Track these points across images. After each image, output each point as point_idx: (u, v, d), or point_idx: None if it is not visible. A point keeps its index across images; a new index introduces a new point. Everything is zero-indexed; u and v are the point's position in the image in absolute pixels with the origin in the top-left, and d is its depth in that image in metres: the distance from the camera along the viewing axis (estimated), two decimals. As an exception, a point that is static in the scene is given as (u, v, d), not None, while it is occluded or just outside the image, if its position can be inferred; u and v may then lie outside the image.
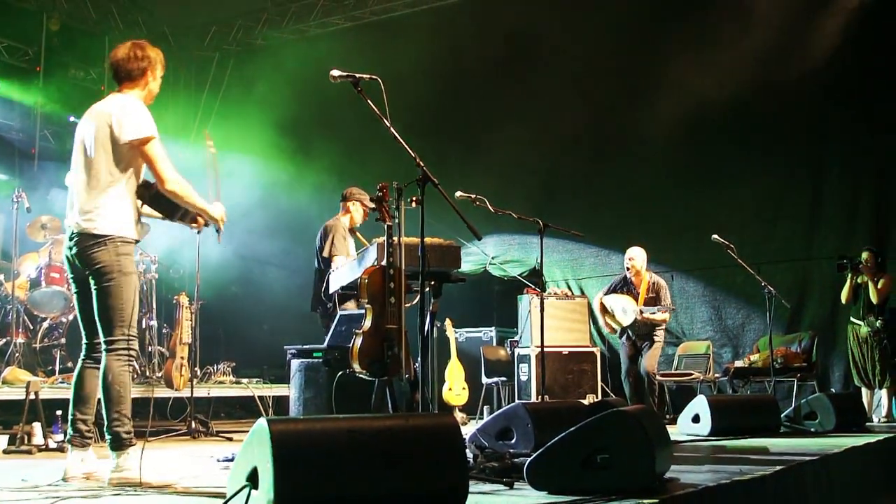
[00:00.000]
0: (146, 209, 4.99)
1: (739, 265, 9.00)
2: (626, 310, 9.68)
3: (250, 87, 13.55)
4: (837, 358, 10.45)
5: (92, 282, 4.75)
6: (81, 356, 4.96)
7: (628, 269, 9.87)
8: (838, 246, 10.34)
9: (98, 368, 4.82)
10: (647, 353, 9.68)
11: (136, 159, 4.80)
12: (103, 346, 4.75)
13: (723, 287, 11.12)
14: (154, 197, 4.88)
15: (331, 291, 7.24)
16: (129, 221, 4.81)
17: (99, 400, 4.77)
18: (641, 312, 9.63)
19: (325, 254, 7.78)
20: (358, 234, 8.03)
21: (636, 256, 9.84)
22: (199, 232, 5.32)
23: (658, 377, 9.81)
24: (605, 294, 10.07)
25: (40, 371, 8.76)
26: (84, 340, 4.95)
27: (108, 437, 4.68)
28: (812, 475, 5.22)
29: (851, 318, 9.83)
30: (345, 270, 6.68)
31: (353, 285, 6.38)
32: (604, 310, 9.99)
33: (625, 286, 9.92)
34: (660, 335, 9.78)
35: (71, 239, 4.81)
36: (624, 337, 9.90)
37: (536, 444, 5.12)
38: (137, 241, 4.90)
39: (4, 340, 8.95)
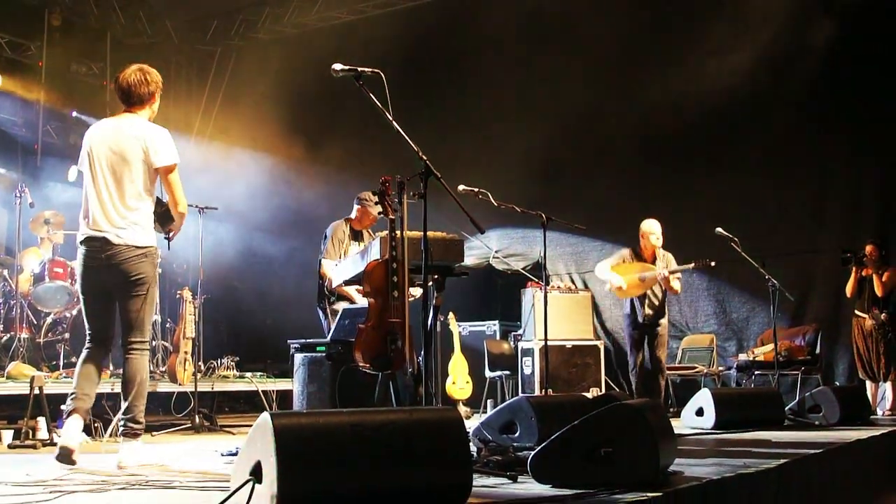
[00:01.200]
0: None
1: (744, 258, 8.97)
2: (644, 278, 9.18)
3: (253, 81, 13.54)
4: (842, 351, 10.44)
5: (127, 288, 5.24)
6: (92, 345, 5.35)
7: (654, 242, 9.27)
8: (842, 239, 10.32)
9: (104, 356, 5.48)
10: (655, 345, 9.35)
11: (155, 179, 5.36)
12: (135, 345, 5.27)
13: (727, 280, 11.10)
14: (162, 214, 5.46)
15: (334, 285, 7.26)
16: (153, 232, 5.41)
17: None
18: (670, 274, 9.12)
19: (319, 255, 7.92)
20: (370, 233, 8.05)
21: (658, 230, 9.33)
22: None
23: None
24: (614, 265, 9.41)
25: (44, 366, 8.78)
26: (100, 335, 5.37)
27: (129, 425, 5.17)
28: (816, 468, 5.22)
29: (856, 311, 9.82)
30: (348, 264, 6.68)
31: (357, 279, 6.39)
32: (606, 279, 9.36)
33: (635, 259, 9.42)
34: (664, 325, 9.56)
35: (106, 245, 5.21)
36: (631, 326, 9.43)
37: (540, 437, 5.12)
38: None
39: (8, 335, 8.96)
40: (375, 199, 7.62)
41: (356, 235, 8.04)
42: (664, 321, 9.44)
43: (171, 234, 5.66)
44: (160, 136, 5.35)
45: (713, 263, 9.27)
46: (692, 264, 9.22)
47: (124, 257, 5.21)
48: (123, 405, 5.25)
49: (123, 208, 5.26)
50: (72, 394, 5.22)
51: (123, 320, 5.33)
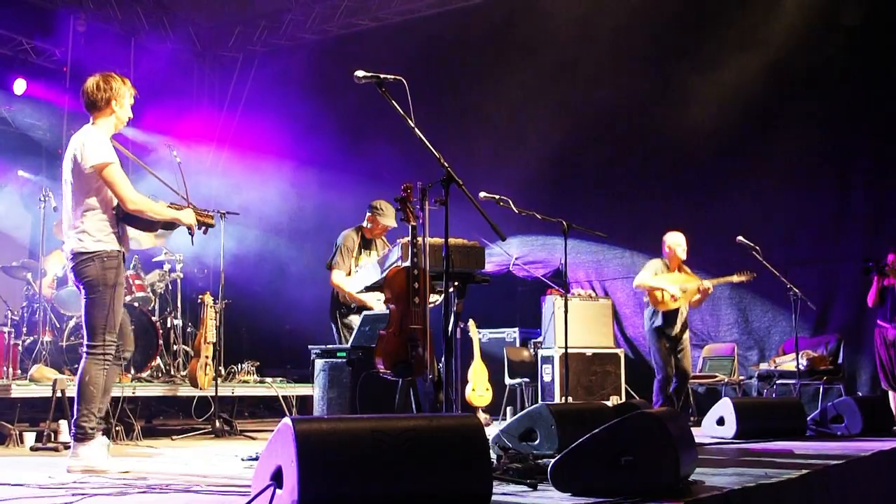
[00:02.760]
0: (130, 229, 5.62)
1: (765, 267, 8.92)
2: (686, 290, 9.15)
3: (275, 87, 13.60)
4: (864, 361, 10.34)
5: (82, 292, 5.39)
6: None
7: (680, 255, 9.29)
8: (864, 248, 10.25)
9: (118, 366, 5.55)
10: (682, 357, 9.30)
11: (96, 184, 5.38)
12: (85, 349, 5.35)
13: (749, 289, 11.00)
14: (128, 216, 5.45)
15: (356, 293, 7.27)
16: (110, 236, 5.39)
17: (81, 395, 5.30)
18: (709, 288, 9.15)
19: (327, 265, 7.92)
20: (384, 241, 8.05)
21: (684, 243, 9.34)
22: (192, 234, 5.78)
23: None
24: (654, 275, 9.31)
25: (66, 369, 8.81)
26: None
27: (73, 429, 5.26)
28: (838, 479, 5.17)
29: (878, 321, 9.74)
30: (369, 271, 6.69)
31: (377, 286, 6.40)
32: (654, 287, 9.26)
33: (667, 270, 9.38)
34: (687, 336, 9.51)
35: (68, 259, 5.44)
36: (661, 338, 9.27)
37: (560, 445, 5.11)
38: (123, 253, 5.49)
39: (31, 339, 9.02)
40: (386, 208, 7.74)
41: (367, 244, 8.01)
42: (687, 332, 9.46)
43: (192, 232, 5.68)
44: (86, 138, 5.39)
45: (755, 275, 9.24)
46: (734, 276, 9.21)
47: (75, 262, 5.35)
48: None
49: (72, 217, 5.41)
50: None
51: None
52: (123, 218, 5.48)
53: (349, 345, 6.79)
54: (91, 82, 5.54)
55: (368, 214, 7.93)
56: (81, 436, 5.23)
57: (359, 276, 7.09)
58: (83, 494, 4.16)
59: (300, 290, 12.27)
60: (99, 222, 5.37)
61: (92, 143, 5.36)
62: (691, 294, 9.20)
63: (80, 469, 5.13)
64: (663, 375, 9.30)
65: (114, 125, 5.57)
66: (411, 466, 3.29)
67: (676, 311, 9.24)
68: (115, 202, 5.42)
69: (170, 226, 5.73)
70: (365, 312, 7.08)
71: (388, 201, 7.76)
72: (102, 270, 5.31)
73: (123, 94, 5.57)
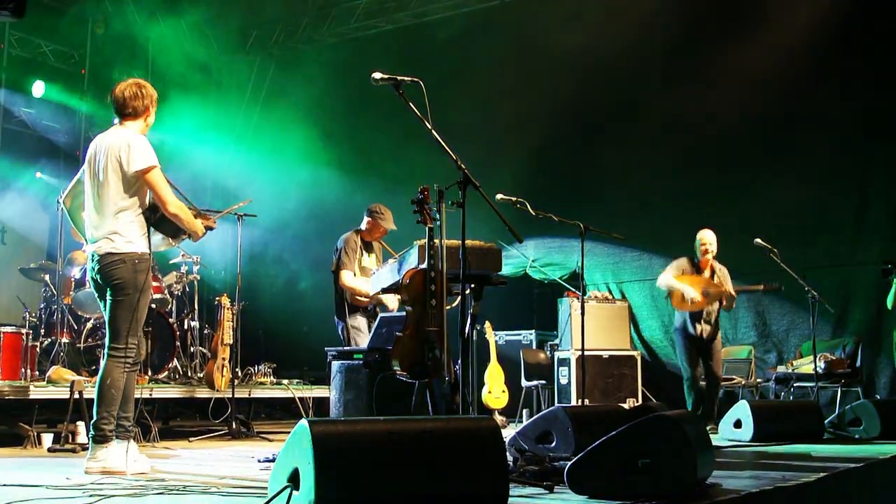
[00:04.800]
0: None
1: (783, 270, 8.89)
2: (708, 293, 9.07)
3: (292, 90, 13.62)
4: (883, 364, 10.29)
5: (109, 293, 5.36)
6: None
7: (705, 252, 9.24)
8: (883, 250, 10.18)
9: (134, 370, 5.47)
10: (713, 360, 9.21)
11: (142, 186, 5.44)
12: (107, 351, 5.35)
13: (767, 292, 10.97)
14: (159, 220, 5.50)
15: (372, 293, 7.28)
16: (142, 239, 5.43)
17: (101, 396, 5.29)
18: (733, 295, 9.09)
19: (332, 268, 7.95)
20: (383, 244, 8.09)
21: (713, 241, 9.28)
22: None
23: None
24: (677, 276, 9.27)
25: (84, 370, 8.86)
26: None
27: (92, 431, 5.27)
28: (856, 482, 5.15)
29: (897, 324, 9.70)
30: (385, 272, 6.70)
31: (394, 287, 6.40)
32: (674, 288, 9.23)
33: (693, 269, 9.34)
34: (719, 339, 9.37)
35: (93, 260, 5.42)
36: (686, 340, 9.25)
37: (577, 448, 5.10)
38: (150, 255, 5.50)
39: (49, 340, 9.07)
40: (385, 212, 7.82)
41: (367, 247, 8.08)
42: (719, 335, 9.38)
43: (195, 240, 5.74)
44: (132, 141, 5.42)
45: (782, 287, 9.19)
46: (761, 286, 9.17)
47: (103, 263, 5.35)
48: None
49: (103, 218, 5.41)
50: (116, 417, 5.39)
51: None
52: (156, 223, 5.51)
53: (365, 346, 6.80)
54: (127, 89, 5.59)
55: (368, 218, 8.01)
56: (101, 438, 5.23)
57: (376, 277, 7.10)
58: (101, 495, 4.17)
59: (317, 292, 12.30)
60: (130, 224, 5.39)
61: (137, 147, 5.40)
62: (714, 298, 9.12)
63: (97, 470, 5.14)
64: (687, 377, 9.27)
65: (141, 130, 5.61)
66: (427, 469, 3.29)
67: (700, 312, 9.17)
68: (146, 206, 5.46)
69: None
70: (381, 314, 7.09)
71: (385, 205, 8.00)
72: (134, 273, 5.33)
73: (155, 102, 5.67)
